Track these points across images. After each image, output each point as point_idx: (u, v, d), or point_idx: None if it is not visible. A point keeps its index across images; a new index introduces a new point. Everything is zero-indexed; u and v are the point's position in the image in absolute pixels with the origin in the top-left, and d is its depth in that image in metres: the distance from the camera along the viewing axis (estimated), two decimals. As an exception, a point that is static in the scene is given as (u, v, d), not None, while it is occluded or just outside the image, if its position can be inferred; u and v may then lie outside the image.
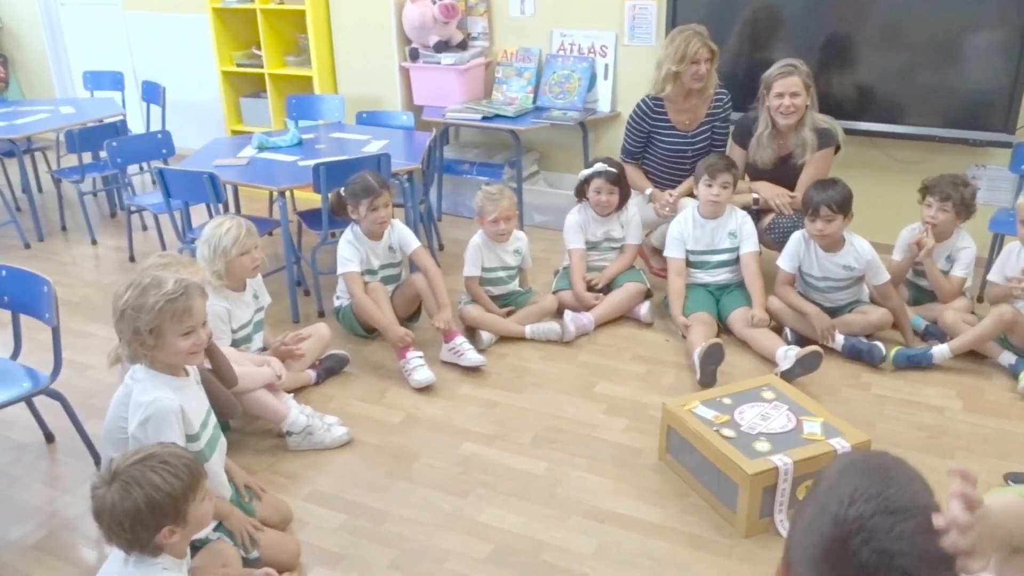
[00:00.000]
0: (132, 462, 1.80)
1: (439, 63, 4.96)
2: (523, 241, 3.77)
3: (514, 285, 3.78)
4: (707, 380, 3.21)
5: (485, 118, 4.77)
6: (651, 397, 3.20)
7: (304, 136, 4.46)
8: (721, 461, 2.51)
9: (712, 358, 3.19)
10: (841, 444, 2.51)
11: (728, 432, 2.59)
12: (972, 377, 3.29)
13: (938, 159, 4.22)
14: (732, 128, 3.99)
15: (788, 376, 3.12)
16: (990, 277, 3.40)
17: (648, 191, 4.06)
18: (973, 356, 3.36)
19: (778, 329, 3.54)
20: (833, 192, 3.36)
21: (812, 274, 3.54)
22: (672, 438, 2.75)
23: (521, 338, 3.62)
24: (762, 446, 2.52)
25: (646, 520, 2.55)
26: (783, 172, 3.83)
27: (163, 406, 2.15)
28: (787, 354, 3.24)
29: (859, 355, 3.40)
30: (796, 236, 3.54)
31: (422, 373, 3.28)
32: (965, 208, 3.49)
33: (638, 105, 4.04)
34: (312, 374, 3.31)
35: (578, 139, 5.01)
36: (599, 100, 4.92)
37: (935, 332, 3.51)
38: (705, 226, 3.68)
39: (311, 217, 4.07)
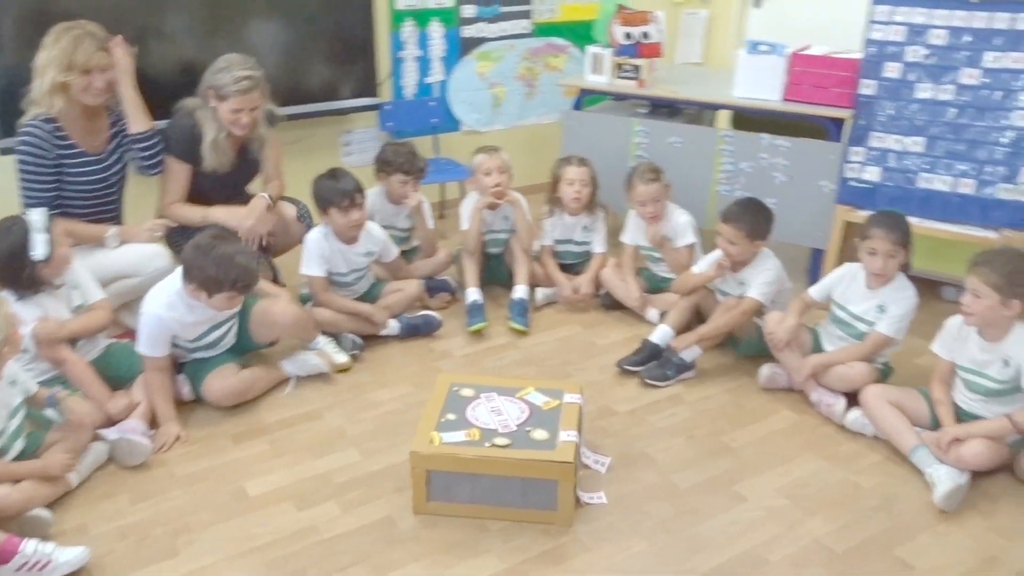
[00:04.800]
0: None
1: None
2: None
3: None
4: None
5: None
6: (315, 466, 2.67)
7: None
8: (526, 468, 2.35)
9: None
10: (573, 398, 2.61)
11: (500, 441, 2.42)
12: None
13: (317, 133, 4.30)
14: (167, 144, 3.25)
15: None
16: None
17: (111, 232, 3.12)
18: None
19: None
20: (351, 181, 3.23)
21: (339, 271, 3.34)
22: (436, 482, 2.41)
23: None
24: (539, 434, 2.45)
25: (494, 572, 2.24)
26: (242, 167, 3.40)
27: None
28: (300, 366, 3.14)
29: (418, 330, 3.43)
30: (316, 238, 3.27)
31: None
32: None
33: (30, 133, 2.95)
34: None
35: None
36: None
37: (439, 283, 3.74)
38: None
39: None
